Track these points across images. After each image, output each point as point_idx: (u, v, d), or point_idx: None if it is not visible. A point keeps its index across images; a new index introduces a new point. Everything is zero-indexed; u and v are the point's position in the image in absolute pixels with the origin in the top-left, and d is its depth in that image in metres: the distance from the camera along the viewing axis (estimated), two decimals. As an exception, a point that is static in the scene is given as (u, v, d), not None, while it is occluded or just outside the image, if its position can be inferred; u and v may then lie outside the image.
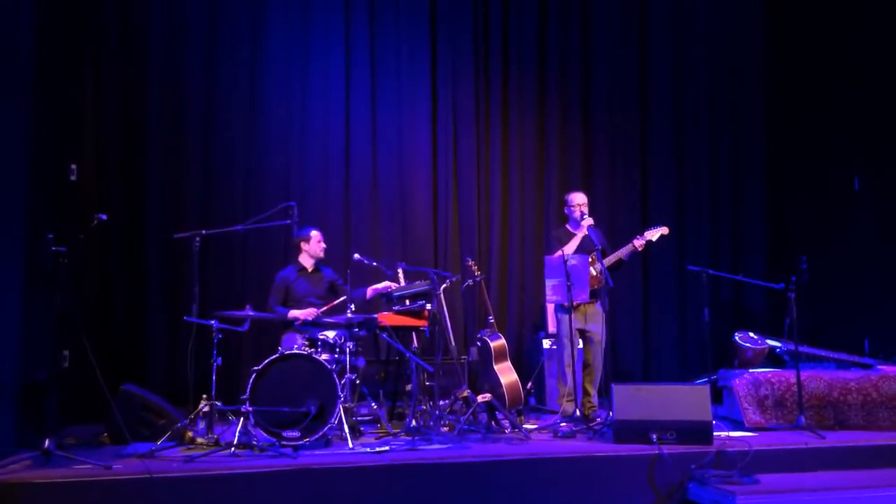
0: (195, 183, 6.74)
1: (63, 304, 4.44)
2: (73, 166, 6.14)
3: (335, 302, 5.46)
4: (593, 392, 5.69)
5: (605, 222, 7.29)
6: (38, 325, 4.80)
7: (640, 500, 4.25)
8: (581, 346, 5.73)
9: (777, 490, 4.05)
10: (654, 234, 5.75)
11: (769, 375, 5.39)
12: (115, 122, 6.56)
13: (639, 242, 5.69)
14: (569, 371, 5.58)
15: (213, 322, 4.80)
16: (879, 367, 5.69)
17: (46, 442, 4.07)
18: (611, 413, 4.84)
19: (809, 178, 7.49)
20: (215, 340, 4.77)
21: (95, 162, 6.45)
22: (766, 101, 7.96)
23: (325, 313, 5.38)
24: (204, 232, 5.18)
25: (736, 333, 6.29)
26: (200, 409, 4.72)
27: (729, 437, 4.77)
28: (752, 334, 6.23)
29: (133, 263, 6.54)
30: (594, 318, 5.70)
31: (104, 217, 4.57)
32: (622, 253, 5.70)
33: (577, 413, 5.25)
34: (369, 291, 5.70)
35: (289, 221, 5.33)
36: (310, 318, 5.35)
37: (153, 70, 6.66)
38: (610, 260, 5.61)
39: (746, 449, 4.39)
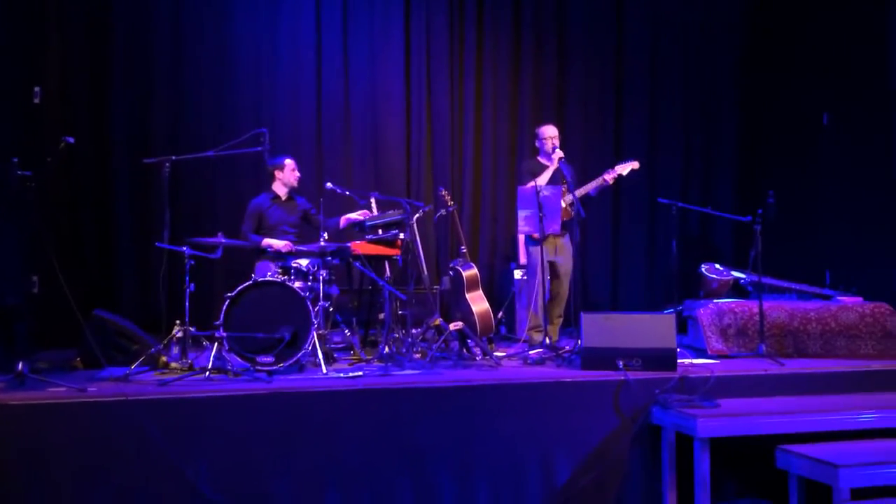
0: (164, 108, 6.64)
1: (31, 229, 4.38)
2: (37, 89, 6.00)
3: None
4: (558, 321, 5.84)
5: (578, 156, 7.32)
6: (6, 250, 4.75)
7: (606, 423, 4.38)
8: (549, 277, 5.82)
9: (736, 413, 4.19)
10: (625, 169, 5.82)
11: (733, 305, 5.53)
12: (80, 44, 6.40)
13: (609, 176, 5.76)
14: (538, 302, 5.68)
15: (185, 248, 4.78)
16: (839, 298, 5.86)
17: (19, 365, 4.07)
18: (578, 341, 4.95)
19: (781, 114, 7.57)
20: (187, 267, 4.75)
21: (60, 85, 6.29)
22: (742, 37, 7.97)
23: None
24: (174, 157, 5.10)
25: (702, 265, 6.40)
26: (174, 335, 4.73)
27: (692, 364, 4.91)
28: (717, 266, 6.36)
29: (102, 188, 6.48)
30: (563, 250, 5.79)
31: (71, 140, 4.47)
32: (592, 186, 5.76)
33: (547, 341, 5.37)
34: (343, 220, 5.71)
35: (260, 149, 5.25)
36: (283, 251, 5.36)
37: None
38: (580, 192, 5.66)
39: (708, 375, 4.52)
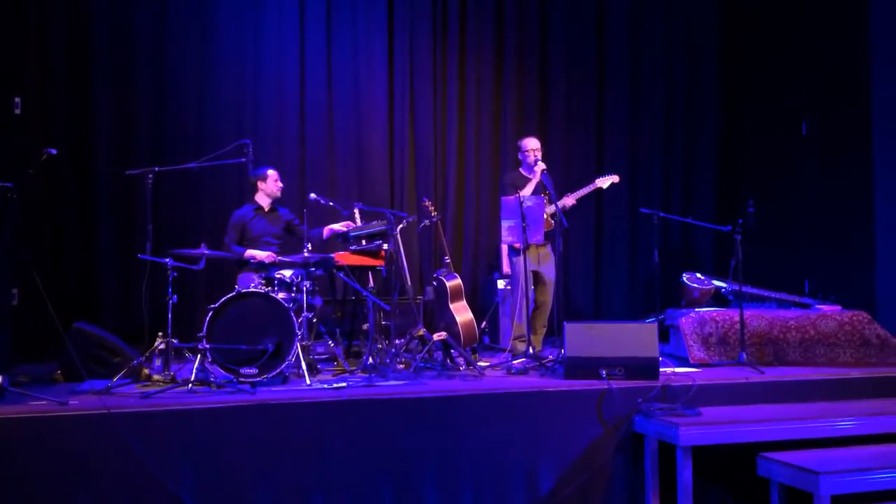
0: (146, 119, 6.61)
1: (12, 241, 4.35)
2: (17, 100, 5.97)
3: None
4: (542, 331, 5.88)
5: (561, 169, 7.39)
6: (-15, 263, 4.71)
7: (589, 432, 4.40)
8: (533, 287, 5.86)
9: (718, 421, 4.23)
10: (605, 182, 5.93)
11: (714, 314, 5.58)
12: (61, 54, 6.35)
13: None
14: (522, 312, 5.70)
15: (167, 260, 4.75)
16: (818, 306, 5.93)
17: (0, 378, 4.03)
18: (561, 350, 4.98)
19: (760, 124, 7.67)
20: (170, 279, 4.73)
21: (41, 95, 6.26)
22: (722, 46, 8.07)
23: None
24: (157, 169, 5.08)
25: (684, 274, 6.47)
26: (156, 347, 4.70)
27: (674, 373, 4.95)
28: (699, 275, 6.42)
29: (84, 200, 6.42)
30: (546, 261, 5.83)
31: (54, 151, 4.44)
32: (562, 203, 5.79)
33: (530, 351, 5.39)
34: (326, 231, 5.71)
35: (244, 160, 5.25)
36: (267, 262, 5.35)
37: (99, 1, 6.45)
38: (562, 203, 5.71)
39: (690, 383, 4.56)
